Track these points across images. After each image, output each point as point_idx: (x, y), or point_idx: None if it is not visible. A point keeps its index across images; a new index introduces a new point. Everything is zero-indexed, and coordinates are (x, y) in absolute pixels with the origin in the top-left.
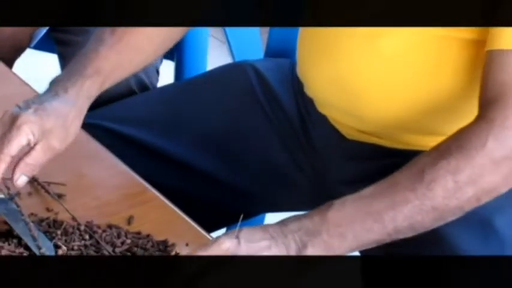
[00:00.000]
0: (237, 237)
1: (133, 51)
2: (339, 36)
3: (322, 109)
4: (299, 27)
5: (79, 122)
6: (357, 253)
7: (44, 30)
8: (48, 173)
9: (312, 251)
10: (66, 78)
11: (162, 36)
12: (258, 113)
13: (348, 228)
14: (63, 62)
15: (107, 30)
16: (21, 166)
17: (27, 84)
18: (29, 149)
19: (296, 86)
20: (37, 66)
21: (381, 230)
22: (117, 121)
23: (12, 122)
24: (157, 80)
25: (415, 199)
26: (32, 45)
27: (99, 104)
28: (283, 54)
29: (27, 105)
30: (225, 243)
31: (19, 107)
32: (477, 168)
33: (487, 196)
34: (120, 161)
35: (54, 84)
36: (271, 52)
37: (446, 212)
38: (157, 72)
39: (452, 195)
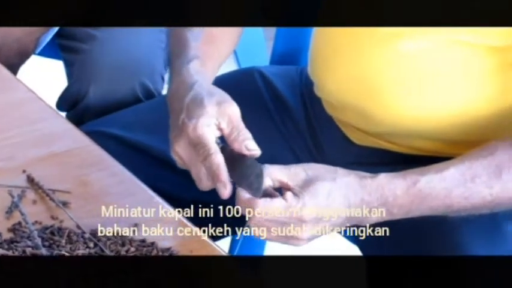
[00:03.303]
0: None
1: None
2: (357, 35)
3: (333, 111)
4: (312, 27)
5: None
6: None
7: (49, 36)
8: (53, 181)
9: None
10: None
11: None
12: (265, 117)
13: (416, 208)
14: (69, 69)
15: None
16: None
17: (32, 91)
18: None
19: (304, 90)
20: (42, 73)
21: (444, 210)
22: (123, 128)
23: (229, 121)
24: (162, 87)
25: (489, 195)
26: (37, 51)
27: (104, 111)
28: (288, 61)
29: (211, 95)
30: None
31: (216, 101)
32: None
33: None
34: (125, 168)
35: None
36: (276, 59)
37: (507, 207)
38: (163, 79)
39: None
